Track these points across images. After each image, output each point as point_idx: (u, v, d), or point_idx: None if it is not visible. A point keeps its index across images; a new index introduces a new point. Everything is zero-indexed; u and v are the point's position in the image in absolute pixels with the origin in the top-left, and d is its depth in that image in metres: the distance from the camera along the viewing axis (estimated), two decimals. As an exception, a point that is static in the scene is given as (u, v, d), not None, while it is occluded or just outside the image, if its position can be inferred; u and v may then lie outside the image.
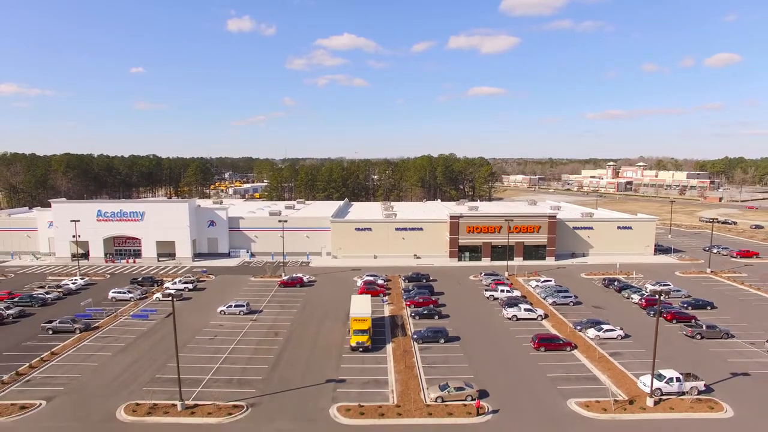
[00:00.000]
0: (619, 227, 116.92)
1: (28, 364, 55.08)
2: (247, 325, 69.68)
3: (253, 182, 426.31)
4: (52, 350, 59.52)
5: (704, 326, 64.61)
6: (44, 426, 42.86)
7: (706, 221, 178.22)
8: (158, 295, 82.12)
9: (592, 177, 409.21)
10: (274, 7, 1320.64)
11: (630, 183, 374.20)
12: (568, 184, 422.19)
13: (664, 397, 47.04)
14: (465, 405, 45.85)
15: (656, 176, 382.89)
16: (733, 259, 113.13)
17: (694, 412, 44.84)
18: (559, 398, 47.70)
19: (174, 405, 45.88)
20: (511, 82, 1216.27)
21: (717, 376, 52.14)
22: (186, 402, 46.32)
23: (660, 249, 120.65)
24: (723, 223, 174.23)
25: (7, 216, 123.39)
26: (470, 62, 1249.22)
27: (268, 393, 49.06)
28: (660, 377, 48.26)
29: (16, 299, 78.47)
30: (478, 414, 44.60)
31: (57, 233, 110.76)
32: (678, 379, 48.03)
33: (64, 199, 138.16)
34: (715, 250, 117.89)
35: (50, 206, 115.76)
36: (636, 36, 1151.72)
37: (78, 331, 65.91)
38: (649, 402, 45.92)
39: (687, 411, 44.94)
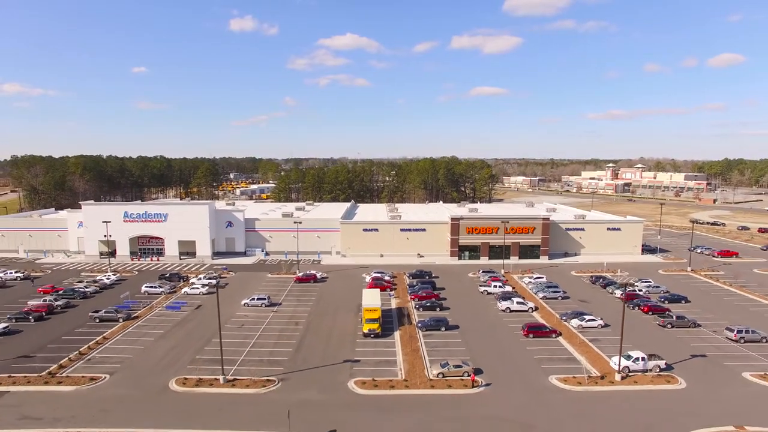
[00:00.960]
0: (608, 228, 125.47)
1: (87, 346, 63.87)
2: (269, 315, 78.34)
3: (258, 183, 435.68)
4: (104, 335, 68.29)
5: (674, 317, 73.16)
6: (112, 394, 51.56)
7: (694, 222, 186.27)
8: (186, 289, 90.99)
9: (591, 178, 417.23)
10: (277, 6, 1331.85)
11: (628, 185, 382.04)
12: (568, 185, 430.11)
13: (630, 374, 55.55)
14: (462, 380, 54.40)
15: (654, 178, 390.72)
16: (714, 258, 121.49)
17: (654, 384, 53.38)
18: (542, 375, 56.23)
19: (217, 379, 54.49)
20: (513, 82, 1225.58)
21: (679, 357, 60.63)
22: (226, 377, 55.00)
23: (647, 249, 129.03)
24: (712, 224, 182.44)
25: (39, 217, 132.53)
26: (472, 62, 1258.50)
27: (294, 370, 57.66)
28: (628, 357, 56.79)
29: (60, 292, 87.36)
30: (473, 386, 53.15)
31: (86, 233, 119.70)
32: (643, 359, 56.54)
33: (92, 201, 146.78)
34: (698, 250, 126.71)
35: (80, 207, 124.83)
36: (638, 36, 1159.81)
37: (121, 320, 74.62)
38: (617, 377, 54.46)
39: (648, 384, 53.48)
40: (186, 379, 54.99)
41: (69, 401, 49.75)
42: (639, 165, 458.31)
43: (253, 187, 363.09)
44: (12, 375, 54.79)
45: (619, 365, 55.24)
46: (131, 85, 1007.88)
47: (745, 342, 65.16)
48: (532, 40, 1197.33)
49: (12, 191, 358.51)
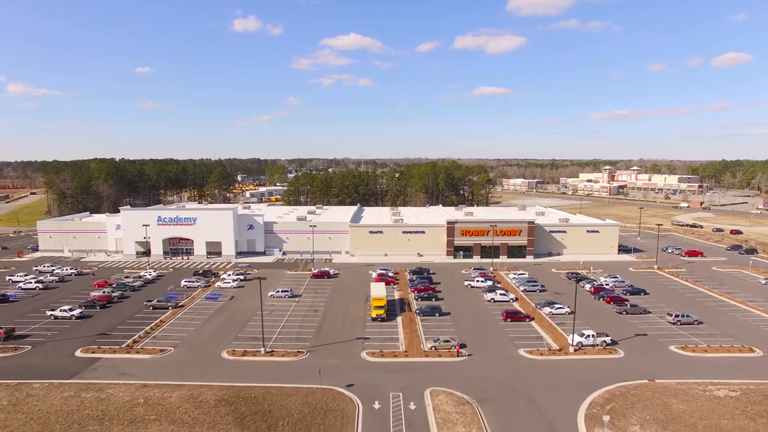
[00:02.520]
0: (588, 231, 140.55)
1: (149, 327, 79.45)
2: (292, 305, 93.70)
3: (265, 185, 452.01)
4: (160, 319, 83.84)
5: (629, 305, 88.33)
6: (179, 360, 67.06)
7: (677, 225, 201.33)
8: (219, 283, 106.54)
9: (588, 181, 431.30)
10: (280, 6, 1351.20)
11: (623, 187, 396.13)
12: (565, 187, 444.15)
13: (582, 347, 70.67)
14: (450, 351, 69.67)
15: (649, 180, 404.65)
16: (682, 257, 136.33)
17: (599, 355, 68.57)
18: (514, 348, 71.44)
19: (258, 350, 69.87)
20: (517, 82, 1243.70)
21: (625, 335, 75.78)
22: (266, 348, 70.40)
23: (623, 249, 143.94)
24: (691, 226, 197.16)
25: (80, 220, 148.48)
26: (476, 62, 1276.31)
27: (318, 345, 73.01)
28: (581, 334, 71.98)
29: (113, 285, 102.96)
30: (458, 356, 68.43)
31: (124, 235, 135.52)
32: (593, 336, 71.68)
33: (129, 207, 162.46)
34: (669, 250, 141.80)
35: (107, 211, 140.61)
36: (643, 36, 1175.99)
37: (171, 308, 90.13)
38: (571, 350, 69.69)
39: (594, 354, 68.67)
40: (234, 350, 70.46)
41: (149, 365, 65.39)
42: (635, 167, 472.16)
43: (262, 189, 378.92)
44: (100, 347, 70.50)
45: (573, 341, 70.52)
46: (135, 85, 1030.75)
47: (681, 324, 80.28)
48: (535, 39, 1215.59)
49: (31, 193, 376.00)
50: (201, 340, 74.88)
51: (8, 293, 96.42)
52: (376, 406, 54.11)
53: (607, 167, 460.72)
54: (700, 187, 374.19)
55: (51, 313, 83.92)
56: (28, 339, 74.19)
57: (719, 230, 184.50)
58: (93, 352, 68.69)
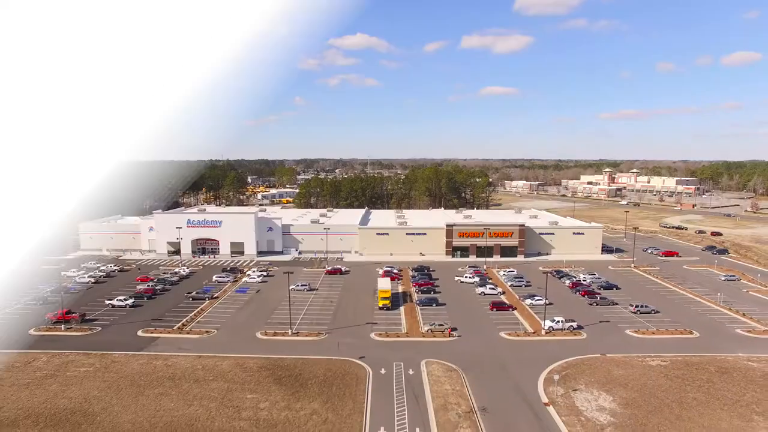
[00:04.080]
0: (574, 233, 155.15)
1: (193, 314, 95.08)
2: (310, 297, 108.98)
3: (275, 186, 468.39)
4: (200, 308, 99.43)
5: (599, 298, 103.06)
6: (222, 339, 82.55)
7: (664, 227, 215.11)
8: (245, 279, 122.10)
9: (588, 183, 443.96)
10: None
11: (620, 189, 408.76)
12: (565, 189, 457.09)
13: (553, 330, 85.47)
14: (443, 333, 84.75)
15: (648, 182, 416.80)
16: (659, 257, 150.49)
17: (565, 336, 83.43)
18: (496, 331, 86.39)
19: (286, 332, 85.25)
20: (524, 82, 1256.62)
21: (591, 322, 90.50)
22: (292, 330, 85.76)
23: (607, 249, 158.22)
24: (677, 228, 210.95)
25: (115, 222, 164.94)
26: (482, 62, 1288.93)
27: (334, 328, 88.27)
28: (553, 320, 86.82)
29: (155, 280, 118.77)
30: (449, 337, 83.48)
31: (157, 236, 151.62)
32: (562, 321, 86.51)
33: (160, 210, 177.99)
34: (649, 251, 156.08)
35: (139, 214, 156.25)
36: (652, 34, 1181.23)
37: (207, 299, 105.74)
38: (543, 333, 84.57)
39: (562, 336, 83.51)
40: (266, 332, 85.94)
41: (199, 342, 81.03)
42: (634, 170, 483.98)
43: (273, 191, 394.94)
44: (156, 328, 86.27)
45: (545, 325, 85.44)
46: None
47: (640, 314, 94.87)
48: (543, 39, 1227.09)
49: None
50: (238, 324, 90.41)
51: (69, 286, 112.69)
52: (383, 371, 69.34)
53: (607, 170, 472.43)
54: (696, 189, 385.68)
55: (109, 302, 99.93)
56: (96, 322, 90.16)
57: (702, 232, 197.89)
58: (151, 333, 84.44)
